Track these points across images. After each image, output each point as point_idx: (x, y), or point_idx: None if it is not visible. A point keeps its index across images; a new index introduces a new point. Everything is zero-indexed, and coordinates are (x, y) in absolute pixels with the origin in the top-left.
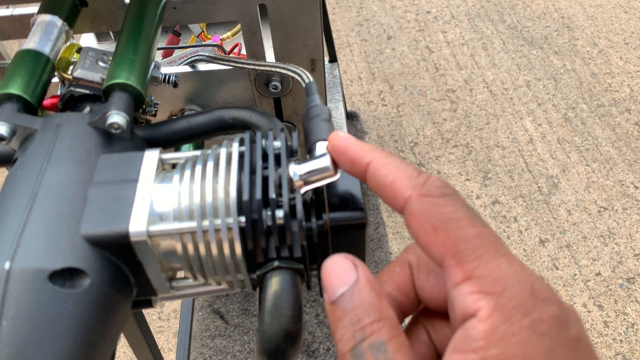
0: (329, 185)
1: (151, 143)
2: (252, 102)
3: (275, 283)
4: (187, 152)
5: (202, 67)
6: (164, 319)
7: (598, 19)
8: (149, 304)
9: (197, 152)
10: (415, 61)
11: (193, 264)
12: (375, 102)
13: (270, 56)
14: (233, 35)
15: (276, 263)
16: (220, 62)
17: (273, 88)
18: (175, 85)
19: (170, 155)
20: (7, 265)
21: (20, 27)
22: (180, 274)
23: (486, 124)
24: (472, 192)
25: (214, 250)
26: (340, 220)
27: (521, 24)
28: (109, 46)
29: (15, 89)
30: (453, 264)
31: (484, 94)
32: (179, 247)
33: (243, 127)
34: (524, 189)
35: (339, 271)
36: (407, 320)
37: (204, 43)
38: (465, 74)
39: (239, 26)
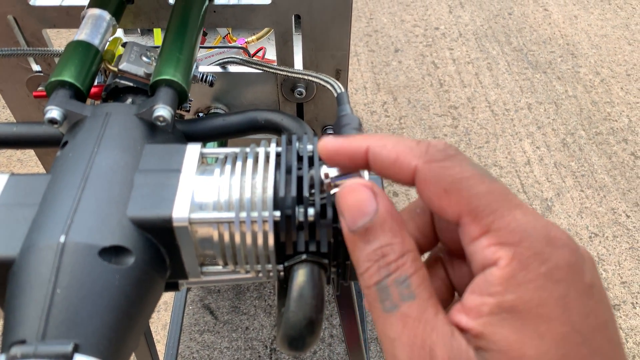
0: None
1: (188, 137)
2: (276, 105)
3: (302, 274)
4: (225, 149)
5: (233, 68)
6: (154, 310)
7: (602, 48)
8: (176, 287)
9: (236, 149)
10: (420, 75)
11: (227, 251)
12: (378, 113)
13: (298, 63)
14: (258, 39)
15: (304, 256)
16: (253, 65)
17: (298, 94)
18: (211, 84)
19: (210, 150)
20: (62, 239)
21: (67, 17)
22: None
23: (486, 142)
24: None
25: (249, 240)
26: None
27: (527, 47)
28: (136, 38)
29: (68, 77)
30: (469, 221)
31: (486, 112)
32: (215, 235)
33: (274, 129)
34: None
35: (358, 199)
36: (426, 255)
37: (229, 45)
38: (469, 92)
39: (264, 30)
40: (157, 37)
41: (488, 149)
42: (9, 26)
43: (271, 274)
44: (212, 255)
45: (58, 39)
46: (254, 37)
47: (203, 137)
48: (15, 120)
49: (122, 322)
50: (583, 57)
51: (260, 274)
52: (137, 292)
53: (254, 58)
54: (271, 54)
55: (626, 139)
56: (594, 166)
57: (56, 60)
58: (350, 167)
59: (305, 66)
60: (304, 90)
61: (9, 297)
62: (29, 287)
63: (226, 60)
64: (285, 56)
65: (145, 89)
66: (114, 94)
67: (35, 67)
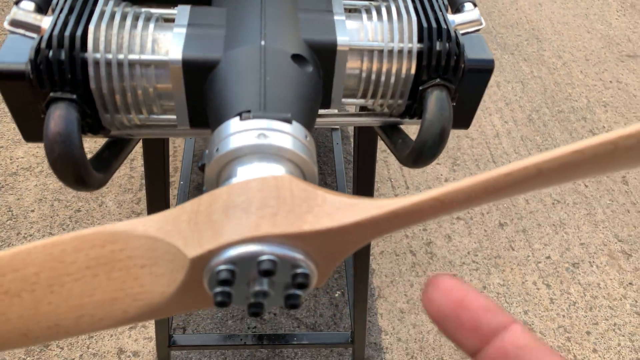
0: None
1: None
2: None
3: (438, 94)
4: (361, 1)
5: None
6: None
7: (564, 34)
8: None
9: (374, 2)
10: None
11: (370, 82)
12: None
13: None
14: None
15: (438, 80)
16: None
17: None
18: None
19: (348, 2)
20: (262, 42)
21: None
22: None
23: None
24: (441, 175)
25: (394, 67)
26: (476, 63)
27: (496, 30)
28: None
29: None
30: None
31: None
32: (366, 65)
33: None
34: None
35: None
36: None
37: None
38: None
39: None
40: None
41: None
42: None
43: (400, 103)
44: (354, 88)
45: None
46: None
47: None
48: None
49: (311, 108)
50: (547, 42)
51: (391, 108)
52: (315, 92)
53: None
54: None
55: (585, 117)
56: (557, 141)
57: None
58: (459, 335)
59: None
60: None
61: (218, 89)
62: (243, 75)
63: None
64: None
65: None
66: None
67: None
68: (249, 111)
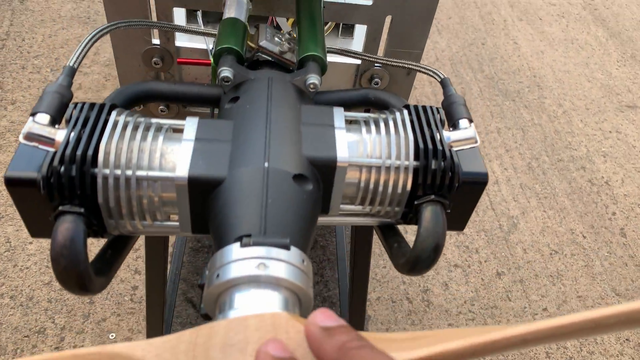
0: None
1: (316, 103)
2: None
3: (432, 210)
4: (364, 113)
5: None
6: (136, 302)
7: (565, 83)
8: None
9: (374, 115)
10: None
11: (368, 195)
12: None
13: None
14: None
15: (433, 196)
16: (365, 57)
17: (375, 83)
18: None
19: (351, 114)
20: (266, 164)
21: None
22: None
23: None
24: None
25: (391, 181)
26: (470, 176)
27: (497, 76)
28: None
29: (233, 44)
30: None
31: None
32: (364, 177)
33: (381, 105)
34: (486, 224)
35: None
36: None
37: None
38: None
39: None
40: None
41: None
42: (144, 0)
43: (397, 211)
44: (352, 196)
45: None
46: (289, 21)
47: (327, 104)
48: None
49: (309, 227)
50: (548, 89)
51: (389, 215)
52: (314, 209)
53: (361, 51)
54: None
55: (584, 167)
56: (556, 189)
57: (177, 35)
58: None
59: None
60: (379, 80)
61: (221, 206)
62: (246, 197)
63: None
64: (371, 51)
65: (280, 64)
66: (254, 66)
67: (155, 41)
68: (249, 235)
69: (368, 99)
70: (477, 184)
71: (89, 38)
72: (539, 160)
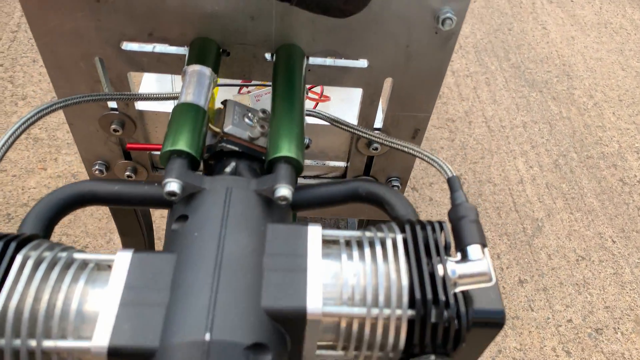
0: None
1: (293, 205)
2: (346, 155)
3: None
4: (345, 232)
5: (309, 119)
6: None
7: (597, 72)
8: None
9: (358, 233)
10: None
11: (352, 342)
12: None
13: (378, 122)
14: None
15: (433, 357)
16: (353, 129)
17: (373, 149)
18: (307, 147)
19: (330, 232)
20: (207, 336)
21: (157, 63)
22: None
23: (481, 158)
24: None
25: (379, 333)
26: (482, 316)
27: (524, 65)
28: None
29: (183, 146)
30: None
31: (482, 128)
32: (343, 324)
33: (375, 202)
34: (509, 227)
35: None
36: None
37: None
38: (467, 106)
39: None
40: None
41: (483, 165)
42: (94, 66)
43: (392, 358)
44: (332, 341)
45: None
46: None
47: (306, 206)
48: (79, 155)
49: None
50: (578, 79)
51: (381, 357)
52: None
53: (346, 121)
54: (327, 92)
55: (615, 165)
56: (584, 189)
57: (136, 104)
58: None
59: (385, 124)
60: (379, 147)
61: None
62: None
63: (313, 113)
64: (368, 115)
65: (249, 153)
66: (218, 156)
67: (112, 105)
68: None
69: (358, 195)
70: (491, 325)
71: (17, 126)
72: (567, 157)
